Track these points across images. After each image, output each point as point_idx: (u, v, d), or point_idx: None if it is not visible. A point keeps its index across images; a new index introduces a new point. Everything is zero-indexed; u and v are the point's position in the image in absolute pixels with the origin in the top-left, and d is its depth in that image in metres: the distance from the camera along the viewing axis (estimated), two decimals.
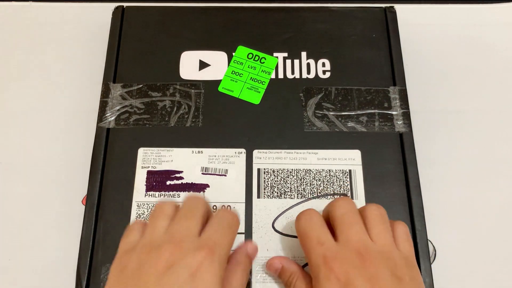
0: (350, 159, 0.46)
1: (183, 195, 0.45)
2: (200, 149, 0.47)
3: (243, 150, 0.47)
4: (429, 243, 0.45)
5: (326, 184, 0.45)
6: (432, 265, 0.42)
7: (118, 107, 0.49)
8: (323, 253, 0.35)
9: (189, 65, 0.52)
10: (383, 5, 0.55)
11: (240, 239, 0.43)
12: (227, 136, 0.48)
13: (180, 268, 0.32)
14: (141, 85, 0.50)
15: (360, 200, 0.44)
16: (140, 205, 0.45)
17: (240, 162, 0.46)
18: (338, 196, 0.44)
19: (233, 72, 0.51)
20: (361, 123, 0.48)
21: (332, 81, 0.50)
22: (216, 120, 0.49)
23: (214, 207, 0.44)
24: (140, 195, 0.45)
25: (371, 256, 0.35)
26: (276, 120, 0.48)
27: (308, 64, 0.51)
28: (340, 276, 0.34)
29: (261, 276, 0.42)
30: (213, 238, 0.35)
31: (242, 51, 0.53)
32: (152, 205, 0.44)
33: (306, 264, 0.42)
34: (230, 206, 0.45)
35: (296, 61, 0.52)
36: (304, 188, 0.45)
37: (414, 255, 0.38)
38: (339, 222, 0.37)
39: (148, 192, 0.45)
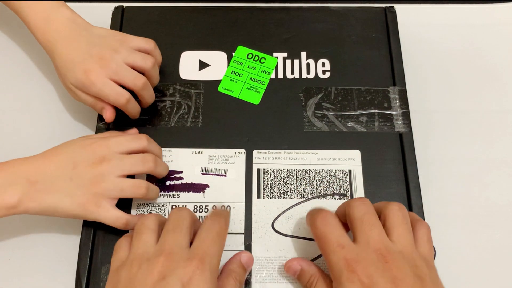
0: (350, 159, 0.46)
1: (183, 195, 0.45)
2: (200, 149, 0.47)
3: (243, 150, 0.47)
4: None
5: (326, 184, 0.45)
6: None
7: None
8: (344, 256, 0.35)
9: (189, 65, 0.52)
10: (383, 5, 0.55)
11: (240, 239, 0.43)
12: (227, 136, 0.48)
13: (172, 280, 0.33)
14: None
15: None
16: (140, 205, 0.45)
17: (240, 162, 0.46)
18: (338, 196, 0.44)
19: (233, 72, 0.51)
20: (361, 123, 0.48)
21: (332, 81, 0.50)
22: (216, 120, 0.49)
23: (214, 207, 0.44)
24: None
25: (393, 257, 0.35)
26: (276, 120, 0.48)
27: (308, 64, 0.51)
28: (363, 279, 0.34)
29: (260, 276, 0.42)
30: (202, 248, 0.35)
31: (242, 51, 0.53)
32: (152, 205, 0.45)
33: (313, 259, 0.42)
34: (230, 206, 0.45)
35: (296, 61, 0.52)
36: (304, 188, 0.45)
37: (433, 257, 0.38)
38: (358, 224, 0.36)
39: None
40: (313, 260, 0.42)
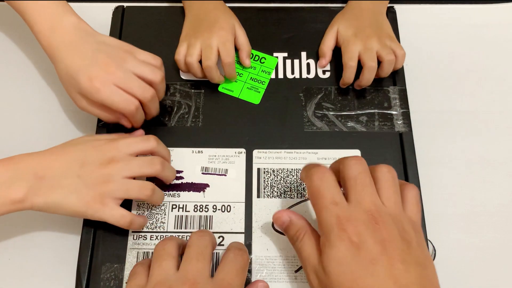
0: None
1: (183, 194, 0.45)
2: (200, 149, 0.47)
3: (243, 150, 0.47)
4: (429, 242, 0.45)
5: None
6: None
7: None
8: (336, 214, 0.35)
9: None
10: None
11: (240, 238, 0.43)
12: (227, 136, 0.48)
13: None
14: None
15: None
16: (140, 204, 0.45)
17: (240, 162, 0.46)
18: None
19: None
20: (361, 123, 0.48)
21: (332, 81, 0.51)
22: (216, 120, 0.49)
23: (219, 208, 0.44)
24: None
25: (383, 219, 0.35)
26: (276, 120, 0.48)
27: (308, 64, 0.51)
28: (353, 237, 0.34)
29: (261, 275, 0.42)
30: (227, 280, 0.35)
31: None
32: (152, 205, 0.45)
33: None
34: (230, 205, 0.45)
35: (296, 61, 0.52)
36: (304, 188, 0.45)
37: (420, 219, 0.38)
38: (352, 183, 0.37)
39: None
40: None
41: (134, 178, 0.41)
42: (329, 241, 0.35)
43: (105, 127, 0.48)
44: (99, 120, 0.48)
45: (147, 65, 0.45)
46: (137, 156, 0.42)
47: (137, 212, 0.44)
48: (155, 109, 0.47)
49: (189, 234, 0.43)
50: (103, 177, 0.40)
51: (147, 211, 0.44)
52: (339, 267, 0.34)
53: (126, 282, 0.41)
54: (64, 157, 0.41)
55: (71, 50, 0.44)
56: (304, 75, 0.51)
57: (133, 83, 0.43)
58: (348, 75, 0.48)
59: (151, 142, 0.43)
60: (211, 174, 0.46)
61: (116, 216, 0.40)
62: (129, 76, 0.43)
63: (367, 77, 0.48)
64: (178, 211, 0.44)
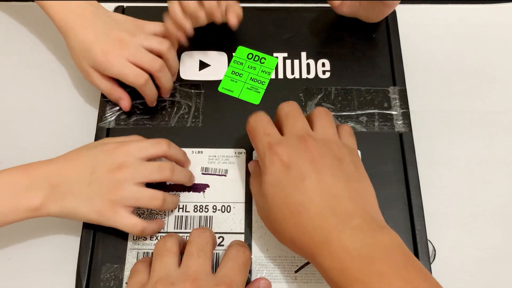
0: None
1: (183, 194, 0.45)
2: (200, 149, 0.47)
3: (243, 150, 0.47)
4: (429, 243, 0.45)
5: None
6: (431, 265, 0.42)
7: (118, 107, 0.49)
8: (268, 141, 0.38)
9: (189, 65, 0.52)
10: None
11: (240, 239, 0.43)
12: (227, 136, 0.48)
13: None
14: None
15: None
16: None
17: (240, 162, 0.46)
18: None
19: (233, 72, 0.51)
20: (361, 123, 0.48)
21: (332, 81, 0.51)
22: (216, 120, 0.49)
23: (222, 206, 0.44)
24: None
25: (314, 141, 0.37)
26: None
27: (308, 64, 0.51)
28: (283, 158, 0.37)
29: (261, 275, 0.42)
30: (229, 276, 0.36)
31: (242, 51, 0.53)
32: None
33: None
34: (230, 206, 0.45)
35: (296, 61, 0.52)
36: None
37: (356, 149, 0.41)
38: (284, 119, 0.40)
39: None
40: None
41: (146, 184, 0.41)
42: (264, 166, 0.38)
43: (106, 127, 0.48)
44: (99, 119, 0.48)
45: (153, 37, 0.47)
46: (149, 160, 0.42)
47: (137, 212, 0.44)
48: (167, 81, 0.47)
49: (189, 234, 0.43)
50: (113, 184, 0.40)
51: (147, 211, 0.44)
52: (273, 188, 0.37)
53: (126, 282, 0.41)
54: (76, 164, 0.41)
55: (84, 24, 0.45)
56: (304, 75, 0.51)
57: (142, 56, 0.45)
58: None
59: (162, 145, 0.42)
60: (211, 174, 0.46)
61: (128, 224, 0.41)
62: (138, 50, 0.45)
63: None
64: (178, 211, 0.44)
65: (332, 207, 0.35)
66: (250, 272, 0.42)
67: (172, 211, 0.44)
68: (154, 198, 0.41)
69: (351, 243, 0.33)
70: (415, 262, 0.34)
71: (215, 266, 0.42)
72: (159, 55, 0.47)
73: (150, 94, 0.47)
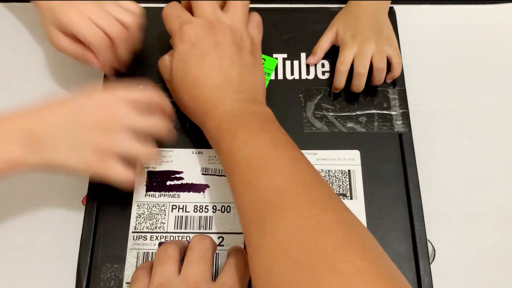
0: (349, 159, 0.46)
1: (183, 195, 0.45)
2: (200, 150, 0.47)
3: None
4: (429, 243, 0.45)
5: None
6: (431, 265, 0.42)
7: None
8: (179, 22, 0.43)
9: None
10: None
11: (240, 239, 0.43)
12: None
13: None
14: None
15: (359, 200, 0.44)
16: (140, 205, 0.45)
17: None
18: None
19: None
20: (360, 123, 0.48)
21: (332, 82, 0.50)
22: None
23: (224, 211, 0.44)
24: (140, 195, 0.45)
25: (221, 27, 0.42)
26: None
27: (308, 65, 0.52)
28: (191, 38, 0.42)
29: None
30: (229, 284, 0.36)
31: None
32: (152, 205, 0.45)
33: None
34: (230, 206, 0.45)
35: (296, 62, 0.52)
36: None
37: (260, 42, 0.46)
38: (195, 1, 0.44)
39: (148, 192, 0.45)
40: None
41: None
42: (174, 45, 0.43)
43: None
44: None
45: (126, 10, 0.46)
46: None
47: (136, 212, 0.44)
48: (123, 52, 0.46)
49: (189, 234, 0.43)
50: (104, 135, 0.39)
51: (147, 211, 0.44)
52: (178, 63, 0.42)
53: (126, 283, 0.42)
54: (62, 113, 0.39)
55: None
56: (304, 76, 0.51)
57: (106, 20, 0.44)
58: (338, 80, 0.48)
59: (150, 92, 0.42)
60: (211, 175, 0.46)
61: (118, 173, 0.39)
62: (104, 14, 0.44)
63: (357, 83, 0.48)
64: (178, 211, 0.44)
65: (223, 84, 0.41)
66: None
67: (171, 210, 0.44)
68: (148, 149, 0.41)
69: (230, 108, 0.40)
70: (275, 125, 0.40)
71: (215, 273, 0.42)
72: (125, 27, 0.45)
73: (106, 59, 0.45)
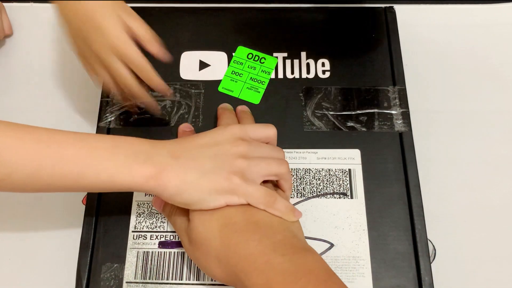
0: (350, 159, 0.46)
1: None
2: None
3: None
4: (429, 242, 0.45)
5: (326, 183, 0.45)
6: (431, 264, 0.42)
7: (118, 107, 0.49)
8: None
9: (189, 65, 0.52)
10: (383, 5, 0.55)
11: None
12: None
13: None
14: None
15: (359, 199, 0.44)
16: (140, 204, 0.45)
17: None
18: (338, 195, 0.44)
19: (233, 72, 0.51)
20: (360, 122, 0.48)
21: (332, 81, 0.51)
22: (216, 120, 0.49)
23: None
24: (140, 195, 0.45)
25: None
26: (276, 120, 0.48)
27: (308, 64, 0.52)
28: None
29: None
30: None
31: (242, 51, 0.53)
32: (152, 204, 0.45)
33: None
34: None
35: (296, 61, 0.52)
36: (304, 187, 0.45)
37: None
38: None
39: None
40: None
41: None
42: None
43: (106, 126, 0.48)
44: (99, 119, 0.48)
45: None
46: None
47: (136, 212, 0.44)
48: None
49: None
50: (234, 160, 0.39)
51: (147, 210, 0.44)
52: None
53: (126, 282, 0.41)
54: (198, 142, 0.39)
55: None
56: (304, 75, 0.51)
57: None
58: None
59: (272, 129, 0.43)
60: None
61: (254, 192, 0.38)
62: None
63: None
64: None
65: (256, 222, 0.37)
66: None
67: None
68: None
69: (275, 257, 0.33)
70: (336, 279, 0.34)
71: None
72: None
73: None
